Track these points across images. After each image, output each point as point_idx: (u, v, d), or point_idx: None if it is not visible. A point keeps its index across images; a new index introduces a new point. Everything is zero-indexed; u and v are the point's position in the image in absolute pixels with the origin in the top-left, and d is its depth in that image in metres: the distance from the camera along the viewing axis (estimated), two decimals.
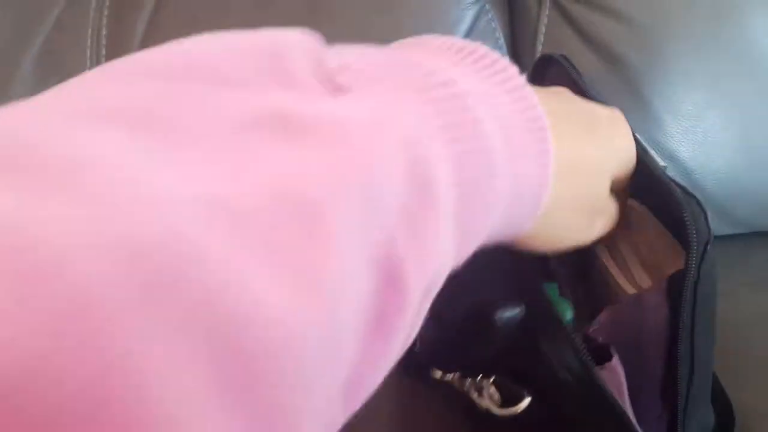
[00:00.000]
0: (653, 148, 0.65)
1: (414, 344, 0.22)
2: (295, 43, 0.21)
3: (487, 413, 0.35)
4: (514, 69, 0.25)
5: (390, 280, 0.19)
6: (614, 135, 0.31)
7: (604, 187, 0.31)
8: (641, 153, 0.34)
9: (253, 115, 0.18)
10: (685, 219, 0.32)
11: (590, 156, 0.29)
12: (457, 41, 0.25)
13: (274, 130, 0.17)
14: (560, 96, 0.31)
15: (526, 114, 0.24)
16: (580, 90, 0.47)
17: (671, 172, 0.63)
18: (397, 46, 0.26)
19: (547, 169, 0.25)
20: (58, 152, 0.14)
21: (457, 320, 0.34)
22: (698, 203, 0.35)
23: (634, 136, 0.33)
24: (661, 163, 0.38)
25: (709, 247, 0.35)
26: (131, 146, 0.15)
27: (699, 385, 0.38)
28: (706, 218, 0.35)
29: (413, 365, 0.48)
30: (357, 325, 0.18)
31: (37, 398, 0.12)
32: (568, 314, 0.36)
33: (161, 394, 0.13)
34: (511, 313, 0.32)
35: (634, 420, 0.33)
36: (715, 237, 0.68)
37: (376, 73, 0.22)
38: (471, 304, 0.34)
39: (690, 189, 0.66)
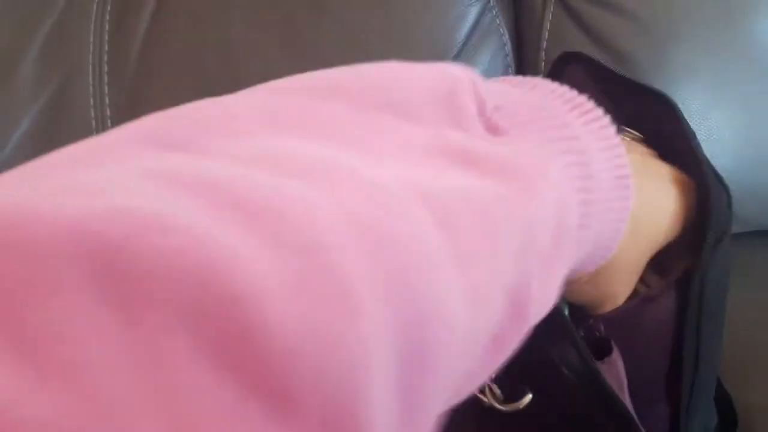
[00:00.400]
0: None
1: None
2: (465, 81, 0.22)
3: (492, 409, 0.35)
4: (608, 120, 0.26)
5: (517, 309, 0.20)
6: (676, 197, 0.31)
7: (655, 249, 0.31)
8: (686, 125, 0.33)
9: (436, 146, 0.20)
10: (710, 204, 0.32)
11: (655, 217, 0.29)
12: (561, 88, 0.26)
13: (455, 160, 0.20)
14: (632, 147, 0.32)
15: (616, 171, 0.25)
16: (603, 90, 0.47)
17: None
18: (516, 83, 0.27)
19: (622, 225, 0.25)
20: (299, 155, 0.17)
21: None
22: (725, 190, 0.35)
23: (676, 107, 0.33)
24: None
25: (725, 238, 0.34)
26: (347, 154, 0.18)
27: (703, 385, 0.38)
28: (729, 210, 0.35)
29: None
30: (485, 336, 0.20)
31: None
32: (565, 310, 0.35)
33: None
34: None
35: (634, 415, 0.33)
36: None
37: (525, 117, 0.23)
38: None
39: None
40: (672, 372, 0.36)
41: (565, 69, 0.53)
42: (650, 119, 0.37)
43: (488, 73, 0.65)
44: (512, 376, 0.35)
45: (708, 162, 0.34)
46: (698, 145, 0.34)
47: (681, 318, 0.34)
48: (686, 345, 0.35)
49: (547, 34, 0.66)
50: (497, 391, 0.35)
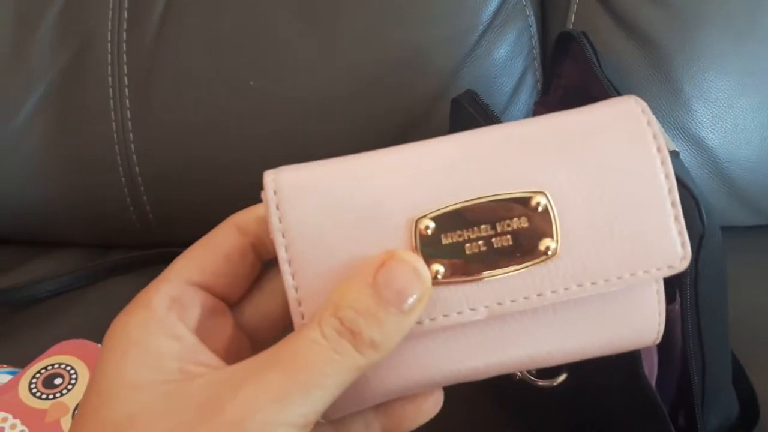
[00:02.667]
0: (680, 133, 0.64)
1: None
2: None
3: (521, 383, 0.34)
4: None
5: None
6: None
7: None
8: None
9: None
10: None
11: None
12: None
13: None
14: None
15: None
16: (594, 71, 0.47)
17: (698, 160, 0.62)
18: None
19: None
20: None
21: None
22: (692, 196, 0.34)
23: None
24: (671, 147, 0.37)
25: (704, 241, 0.34)
26: None
27: (715, 377, 0.38)
28: (699, 212, 0.34)
29: None
30: None
31: None
32: None
33: None
34: None
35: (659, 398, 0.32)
36: (742, 228, 0.67)
37: None
38: None
39: (717, 178, 0.65)
40: (683, 370, 0.36)
41: (569, 46, 0.53)
42: None
43: (512, 54, 0.64)
44: None
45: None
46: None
47: (684, 321, 0.34)
48: (690, 348, 0.35)
49: (573, 16, 0.65)
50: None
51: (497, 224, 0.24)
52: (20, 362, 0.49)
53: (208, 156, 0.63)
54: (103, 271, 0.65)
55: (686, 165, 0.45)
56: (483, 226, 0.24)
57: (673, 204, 0.24)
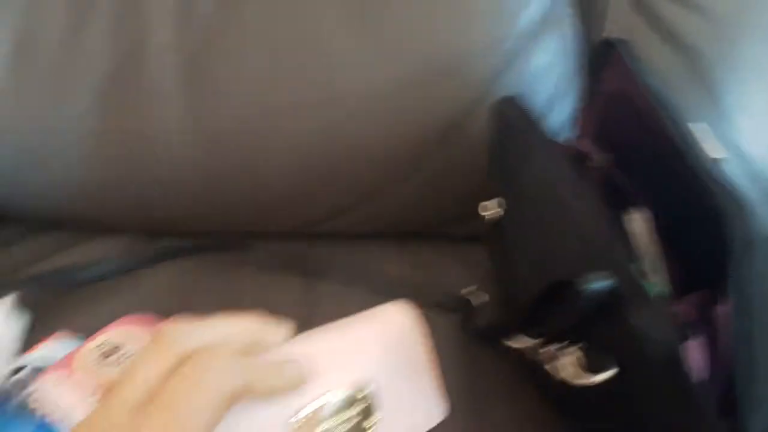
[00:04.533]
0: (719, 142, 0.64)
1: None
2: None
3: (561, 383, 0.35)
4: None
5: None
6: None
7: None
8: (685, 147, 0.33)
9: None
10: (724, 226, 0.31)
11: None
12: None
13: None
14: None
15: None
16: (636, 80, 0.47)
17: (738, 170, 0.62)
18: None
19: None
20: None
21: (542, 289, 0.34)
22: (740, 206, 0.34)
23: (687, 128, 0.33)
24: (718, 155, 0.38)
25: (755, 251, 0.34)
26: None
27: (763, 384, 0.37)
28: (747, 221, 0.34)
29: (483, 331, 0.48)
30: None
31: None
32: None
33: None
34: (598, 285, 0.32)
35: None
36: None
37: None
38: (557, 274, 0.34)
39: (758, 188, 0.64)
40: (729, 375, 0.36)
41: (611, 54, 0.53)
42: None
43: (553, 61, 0.64)
44: (599, 347, 0.35)
45: (718, 180, 0.34)
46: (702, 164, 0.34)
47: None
48: (739, 355, 0.34)
49: (608, 24, 0.66)
50: (582, 359, 0.35)
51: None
52: (84, 334, 0.52)
53: (259, 147, 0.64)
54: (156, 256, 0.67)
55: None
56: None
57: None
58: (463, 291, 0.55)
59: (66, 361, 0.48)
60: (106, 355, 0.49)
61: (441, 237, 0.69)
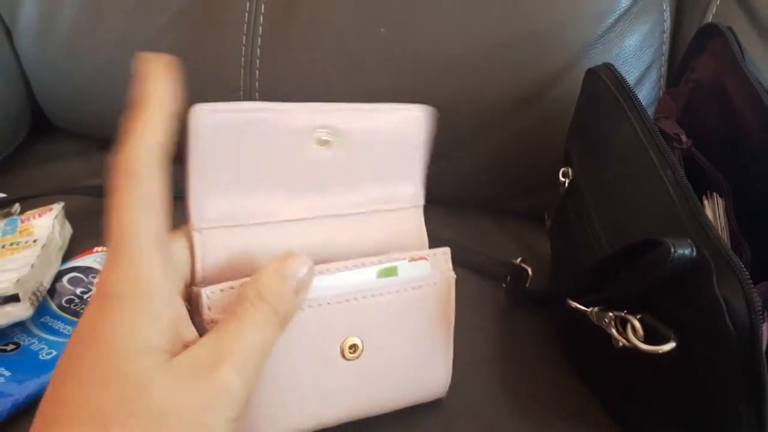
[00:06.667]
0: None
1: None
2: None
3: (623, 349, 0.35)
4: None
5: None
6: None
7: None
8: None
9: None
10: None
11: None
12: None
13: None
14: None
15: None
16: (738, 66, 0.46)
17: None
18: None
19: None
20: None
21: (633, 245, 0.34)
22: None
23: None
24: None
25: None
26: None
27: None
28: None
29: (546, 294, 0.48)
30: None
31: None
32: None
33: None
34: (683, 252, 0.32)
35: None
36: None
37: None
38: (640, 239, 0.34)
39: None
40: None
41: (708, 41, 0.52)
42: None
43: (643, 44, 0.63)
44: (661, 318, 0.35)
45: None
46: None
47: None
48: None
49: (711, 16, 0.64)
50: (640, 329, 0.35)
51: None
52: None
53: (328, 99, 0.65)
54: None
55: None
56: None
57: None
58: (512, 260, 0.56)
59: None
60: None
61: (489, 209, 0.69)
